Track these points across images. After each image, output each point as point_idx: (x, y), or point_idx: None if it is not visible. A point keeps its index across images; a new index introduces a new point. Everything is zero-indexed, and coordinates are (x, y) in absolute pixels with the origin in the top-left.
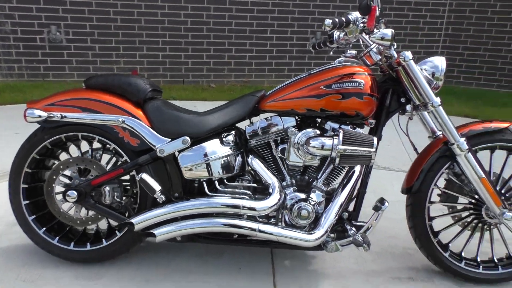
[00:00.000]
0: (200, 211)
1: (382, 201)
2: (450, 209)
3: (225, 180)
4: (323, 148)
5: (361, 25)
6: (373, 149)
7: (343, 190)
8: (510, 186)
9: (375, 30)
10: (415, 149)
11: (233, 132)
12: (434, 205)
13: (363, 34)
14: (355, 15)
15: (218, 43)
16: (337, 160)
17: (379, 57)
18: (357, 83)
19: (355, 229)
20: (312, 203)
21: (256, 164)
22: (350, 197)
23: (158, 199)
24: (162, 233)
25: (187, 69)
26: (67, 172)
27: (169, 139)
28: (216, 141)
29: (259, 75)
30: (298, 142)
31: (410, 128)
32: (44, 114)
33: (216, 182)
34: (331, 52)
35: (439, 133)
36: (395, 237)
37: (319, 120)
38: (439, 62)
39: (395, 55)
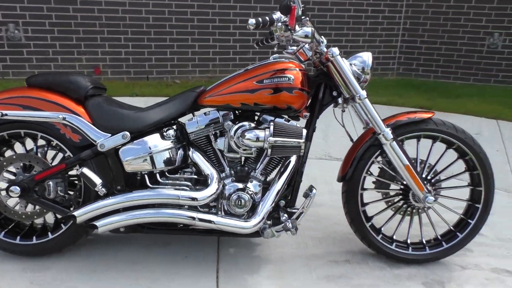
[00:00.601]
0: (140, 202)
1: (311, 188)
2: (384, 195)
3: (166, 173)
4: (256, 140)
5: (284, 24)
6: (302, 140)
7: (279, 180)
8: (437, 171)
9: (297, 28)
10: (351, 139)
11: (174, 126)
12: (369, 191)
13: (288, 32)
14: (279, 14)
15: (181, 39)
16: (269, 151)
17: (311, 53)
18: (287, 78)
19: (287, 216)
20: (249, 192)
21: (196, 156)
22: (287, 186)
23: (99, 192)
24: (103, 225)
25: (151, 65)
26: (12, 169)
27: (110, 134)
28: (156, 135)
29: (223, 71)
30: (234, 135)
31: (355, 119)
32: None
33: (158, 175)
34: (275, 48)
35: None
36: (338, 223)
37: (259, 113)
38: (366, 57)
39: (325, 51)
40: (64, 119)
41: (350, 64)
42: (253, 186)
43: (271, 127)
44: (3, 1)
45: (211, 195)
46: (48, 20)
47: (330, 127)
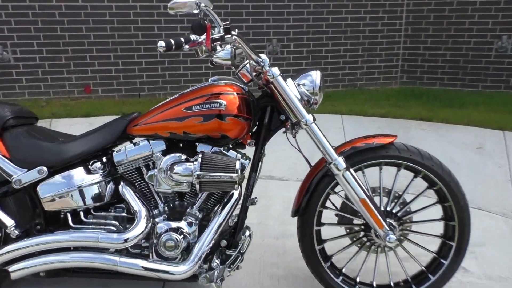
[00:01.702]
0: (54, 245)
1: (245, 229)
2: (347, 230)
3: (91, 210)
4: (185, 175)
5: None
6: (235, 174)
7: (218, 217)
8: (405, 202)
9: (218, 48)
10: (310, 165)
11: (103, 158)
12: (332, 225)
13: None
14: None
15: (172, 55)
16: (197, 186)
17: (254, 73)
18: (218, 104)
19: (218, 262)
20: (183, 232)
21: (126, 191)
22: (227, 224)
23: (11, 234)
24: (16, 269)
25: (142, 82)
26: None
27: (26, 169)
28: (80, 169)
29: None
30: (163, 167)
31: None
32: None
33: (82, 213)
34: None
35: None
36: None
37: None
38: (315, 76)
39: (264, 71)
40: None
41: (299, 85)
42: (187, 224)
43: (198, 160)
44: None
45: (136, 236)
46: (36, 41)
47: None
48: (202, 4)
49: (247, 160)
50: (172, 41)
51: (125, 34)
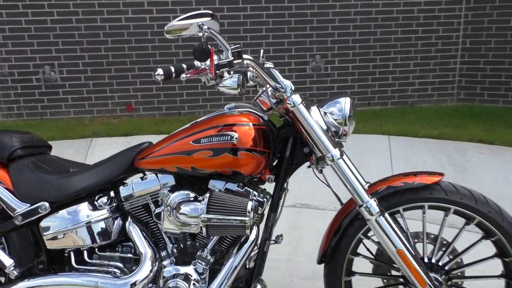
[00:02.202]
0: None
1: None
2: (385, 281)
3: (96, 250)
4: (191, 216)
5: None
6: (247, 218)
7: (232, 262)
8: (456, 252)
9: (226, 75)
10: (341, 202)
11: (111, 193)
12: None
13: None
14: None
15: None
16: (204, 230)
17: (274, 100)
18: (229, 136)
19: None
20: (191, 278)
21: (132, 229)
22: (243, 268)
23: (10, 275)
24: None
25: (182, 100)
26: None
27: (29, 205)
28: (85, 204)
29: None
30: (170, 206)
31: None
32: None
33: (86, 252)
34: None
35: (366, 183)
36: None
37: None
38: (343, 103)
39: (284, 98)
40: None
41: (325, 113)
42: (196, 270)
43: (205, 201)
44: (39, 45)
45: (140, 281)
46: (81, 61)
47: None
48: (205, 27)
49: (265, 199)
50: (172, 68)
51: (166, 53)
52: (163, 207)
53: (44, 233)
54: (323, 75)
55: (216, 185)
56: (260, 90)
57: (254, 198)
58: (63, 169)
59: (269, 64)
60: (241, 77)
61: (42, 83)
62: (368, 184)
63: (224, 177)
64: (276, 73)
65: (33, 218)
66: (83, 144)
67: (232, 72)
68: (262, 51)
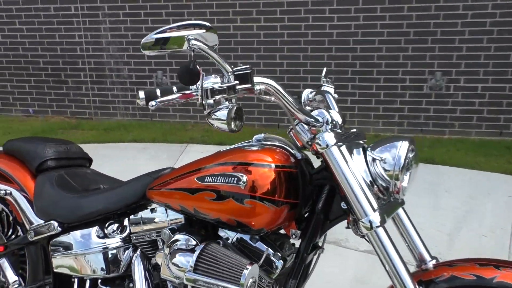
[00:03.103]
0: None
1: None
2: None
3: (99, 282)
4: (182, 269)
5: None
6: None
7: None
8: None
9: (223, 104)
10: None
11: (125, 220)
12: None
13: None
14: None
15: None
16: None
17: (309, 135)
18: (236, 179)
19: None
20: None
21: (136, 266)
22: None
23: None
24: None
25: (282, 113)
26: None
27: (43, 221)
28: (93, 229)
29: (363, 122)
30: (167, 250)
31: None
32: None
33: (88, 282)
34: None
35: (429, 261)
36: None
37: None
38: (398, 149)
39: (312, 137)
40: (8, 194)
41: (374, 160)
42: None
43: (196, 254)
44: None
45: None
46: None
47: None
48: (194, 41)
49: (282, 261)
50: (158, 91)
51: (270, 63)
52: (164, 249)
53: (52, 254)
54: (443, 96)
55: (227, 233)
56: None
57: (254, 262)
58: (92, 185)
59: (328, 87)
60: (234, 109)
61: (155, 87)
62: (424, 266)
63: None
64: (331, 100)
65: (44, 235)
66: (178, 149)
67: (234, 100)
68: (325, 69)
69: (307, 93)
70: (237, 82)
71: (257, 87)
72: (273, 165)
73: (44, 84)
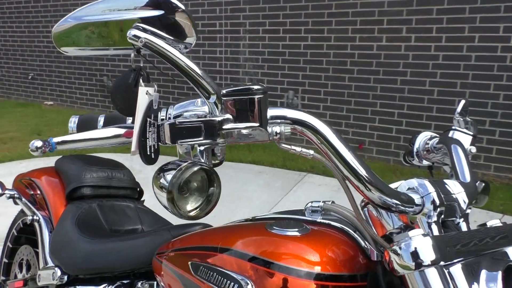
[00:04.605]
0: None
1: None
2: None
3: None
4: None
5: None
6: None
7: None
8: None
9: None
10: None
11: (139, 283)
12: None
13: None
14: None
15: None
16: None
17: (398, 221)
18: (237, 285)
19: None
20: None
21: None
22: None
23: None
24: None
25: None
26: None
27: (53, 265)
28: None
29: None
30: None
31: None
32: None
33: None
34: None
35: None
36: None
37: None
38: None
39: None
40: (33, 220)
41: None
42: None
43: None
44: (290, 69)
45: None
46: (323, 89)
47: None
48: (143, 37)
49: None
50: (101, 120)
51: (417, 89)
52: None
53: None
54: None
55: None
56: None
57: None
58: (127, 225)
59: (460, 132)
60: (198, 169)
61: (284, 107)
62: None
63: None
64: (459, 157)
65: (49, 283)
66: (295, 178)
67: (206, 156)
68: (462, 102)
69: (424, 139)
70: (228, 116)
71: (274, 130)
72: (315, 271)
73: (185, 97)
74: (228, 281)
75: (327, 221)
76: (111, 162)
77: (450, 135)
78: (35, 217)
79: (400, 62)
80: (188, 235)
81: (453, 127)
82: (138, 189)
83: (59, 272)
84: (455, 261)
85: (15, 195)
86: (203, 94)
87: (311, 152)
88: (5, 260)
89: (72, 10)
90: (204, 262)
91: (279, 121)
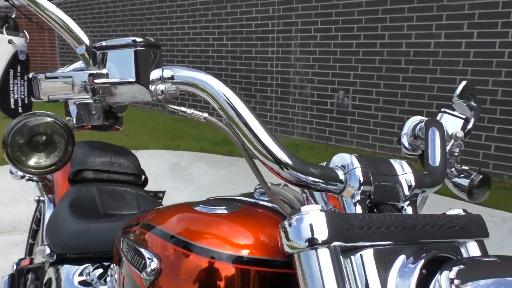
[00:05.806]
0: None
1: None
2: None
3: None
4: None
5: None
6: None
7: None
8: None
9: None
10: None
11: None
12: None
13: None
14: None
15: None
16: None
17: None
18: (143, 263)
19: None
20: None
21: None
22: None
23: None
24: None
25: (489, 155)
26: None
27: (46, 243)
28: (80, 270)
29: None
30: None
31: None
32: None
33: None
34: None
35: None
36: None
37: None
38: None
39: None
40: (39, 200)
41: None
42: None
43: None
44: (340, 69)
45: None
46: (375, 89)
47: None
48: None
49: None
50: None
51: (480, 90)
52: None
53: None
54: None
55: None
56: None
57: None
58: (124, 210)
59: (449, 114)
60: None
61: (334, 108)
62: None
63: None
64: (433, 141)
65: (41, 261)
66: None
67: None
68: (463, 83)
69: (413, 124)
70: (101, 70)
71: (158, 87)
72: (237, 253)
73: None
74: (138, 257)
75: (270, 205)
76: (117, 149)
77: (438, 118)
78: (41, 198)
79: (459, 60)
80: (141, 212)
81: (442, 110)
82: (143, 176)
83: (48, 250)
84: (366, 244)
85: (33, 178)
86: (73, 45)
87: (205, 115)
88: (30, 241)
89: None
90: (130, 239)
91: (172, 81)
